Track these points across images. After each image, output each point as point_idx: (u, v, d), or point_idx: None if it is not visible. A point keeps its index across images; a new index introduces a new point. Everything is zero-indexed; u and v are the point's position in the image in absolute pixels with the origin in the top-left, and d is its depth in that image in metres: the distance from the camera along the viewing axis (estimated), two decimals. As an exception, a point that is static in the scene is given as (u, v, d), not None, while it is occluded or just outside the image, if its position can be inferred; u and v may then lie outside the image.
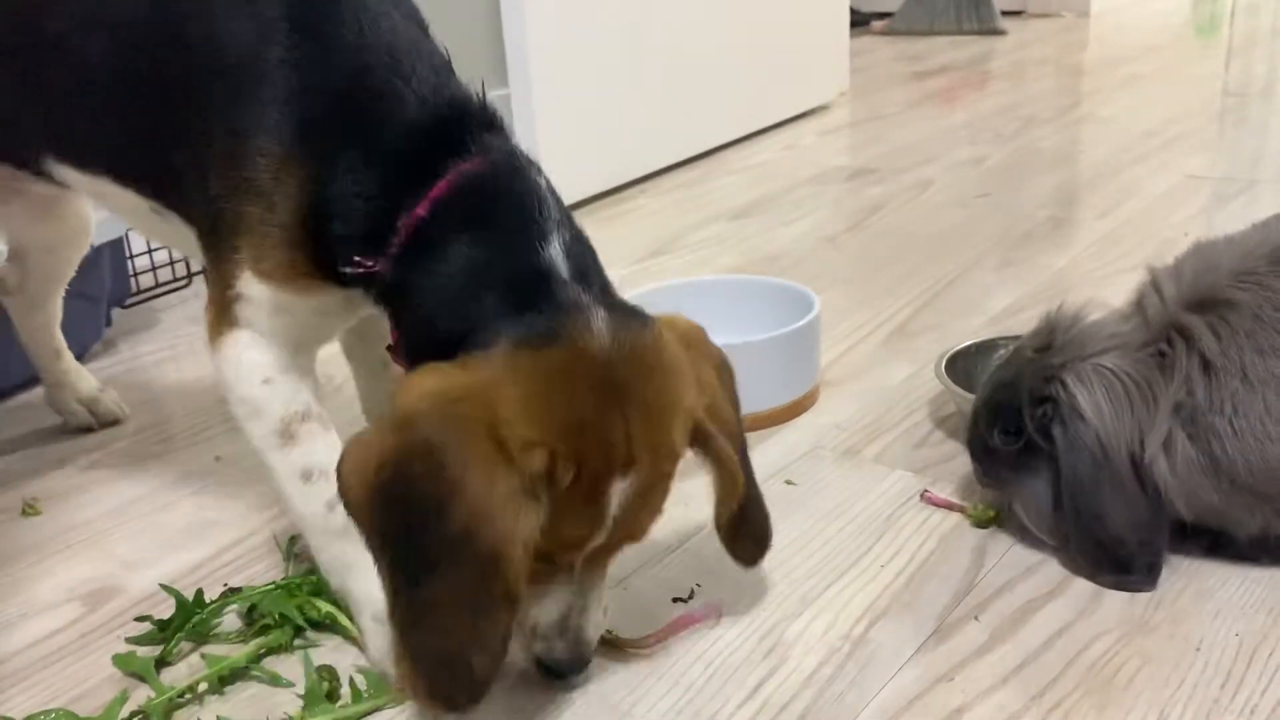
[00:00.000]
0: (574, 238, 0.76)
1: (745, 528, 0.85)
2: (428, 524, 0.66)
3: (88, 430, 1.25)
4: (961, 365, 1.16)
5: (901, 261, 1.65)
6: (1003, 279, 1.56)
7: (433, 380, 0.69)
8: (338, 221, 0.77)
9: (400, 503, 0.67)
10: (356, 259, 0.77)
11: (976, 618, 0.86)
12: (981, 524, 0.97)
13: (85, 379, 1.26)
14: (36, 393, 1.31)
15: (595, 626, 0.79)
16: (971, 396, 1.10)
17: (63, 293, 1.23)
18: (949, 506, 1.00)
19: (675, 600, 0.90)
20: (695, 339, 0.81)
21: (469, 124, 0.77)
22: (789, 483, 1.06)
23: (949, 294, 1.52)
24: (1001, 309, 1.45)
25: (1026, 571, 0.91)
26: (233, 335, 0.83)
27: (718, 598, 0.88)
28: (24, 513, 1.11)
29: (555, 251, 0.73)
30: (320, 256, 0.79)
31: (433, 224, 0.74)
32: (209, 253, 0.85)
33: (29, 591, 0.98)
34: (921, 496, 1.02)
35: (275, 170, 0.78)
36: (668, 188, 2.12)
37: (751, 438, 1.14)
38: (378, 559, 0.69)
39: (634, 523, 0.74)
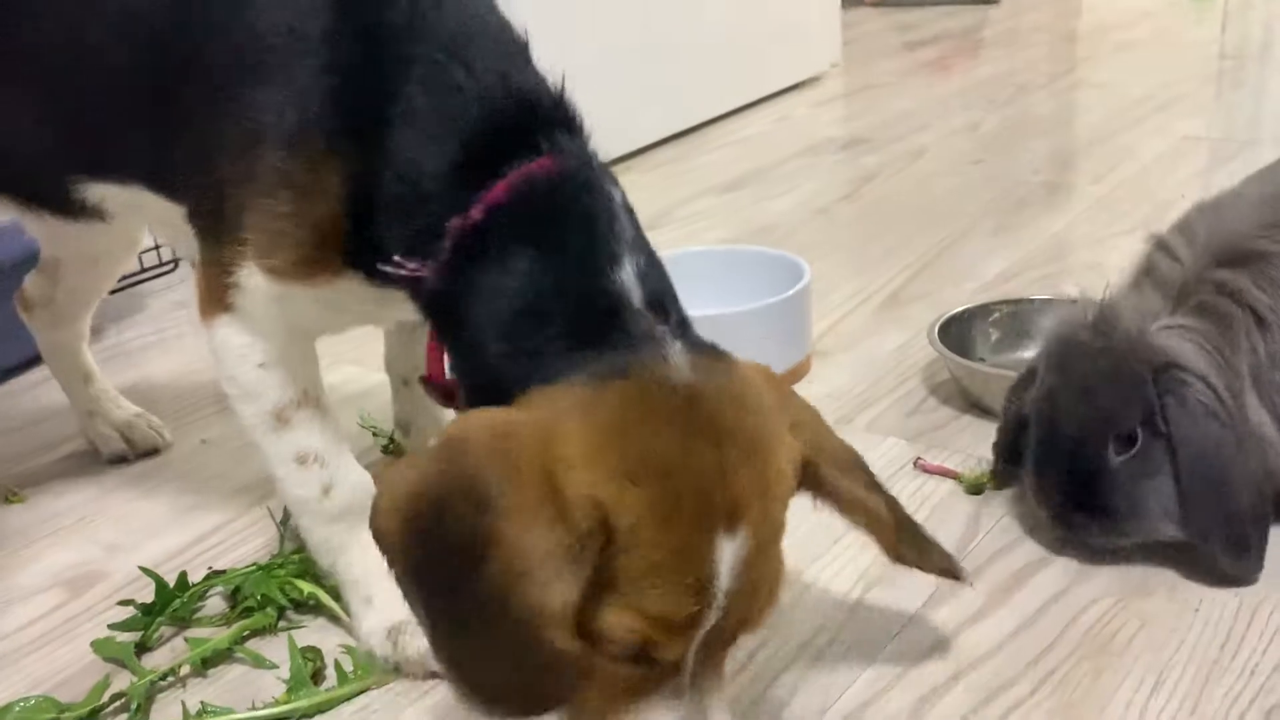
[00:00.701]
0: (648, 261, 0.66)
1: (919, 544, 0.73)
2: (463, 573, 0.56)
3: (123, 460, 1.14)
4: (955, 331, 1.14)
5: (894, 230, 1.63)
6: (997, 245, 1.54)
7: (489, 414, 0.60)
8: (380, 219, 0.70)
9: (435, 543, 0.58)
10: (397, 259, 0.69)
11: (971, 584, 0.84)
12: (975, 490, 0.95)
13: (120, 404, 1.16)
14: (18, 381, 1.30)
15: None
16: (966, 362, 1.08)
17: (92, 311, 1.14)
18: (942, 473, 0.98)
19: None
20: (776, 379, 0.70)
21: (538, 121, 0.69)
22: (781, 453, 1.05)
23: (942, 261, 1.50)
24: (995, 275, 1.43)
25: (1021, 537, 0.89)
26: (226, 318, 0.79)
27: None
28: (7, 500, 1.09)
29: (628, 275, 0.64)
30: (350, 251, 0.73)
31: (488, 232, 0.66)
32: (205, 236, 0.79)
33: (11, 579, 0.97)
34: (915, 463, 1.00)
35: (312, 163, 0.71)
36: (656, 163, 2.10)
37: (742, 409, 1.13)
38: (410, 601, 0.60)
39: (751, 600, 0.60)
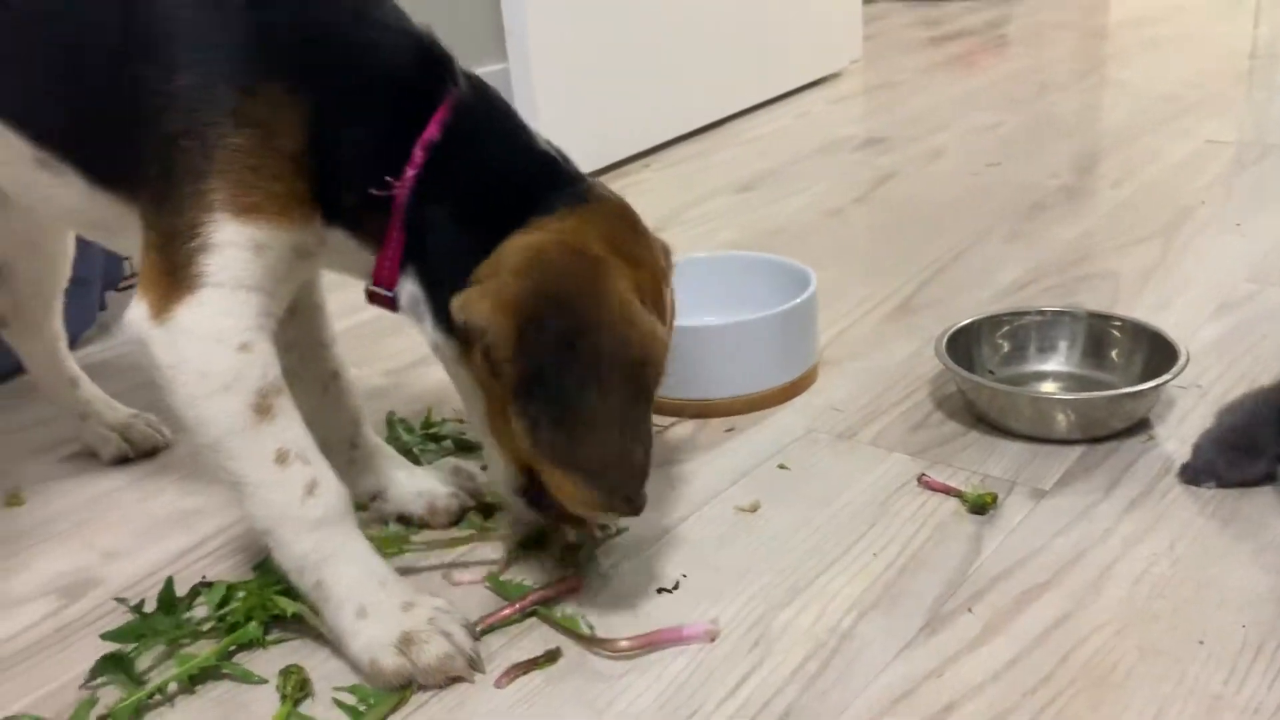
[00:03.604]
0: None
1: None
2: (583, 341, 0.75)
3: (125, 460, 1.14)
4: (963, 342, 1.12)
5: (907, 234, 1.61)
6: (1012, 251, 1.52)
7: (529, 235, 0.78)
8: (344, 151, 0.79)
9: (554, 331, 0.75)
10: (389, 180, 0.79)
11: (970, 609, 0.82)
12: (978, 509, 0.93)
13: (113, 407, 1.15)
14: (16, 383, 1.29)
15: None
16: (973, 376, 1.06)
17: (60, 309, 1.13)
18: (946, 491, 0.96)
19: (660, 591, 0.87)
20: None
21: (438, 55, 0.82)
22: (782, 467, 1.03)
23: (955, 267, 1.48)
24: (1010, 282, 1.41)
25: (1024, 559, 0.87)
26: (194, 300, 0.74)
27: (715, 615, 0.83)
28: (7, 504, 1.09)
29: (544, 143, 0.85)
30: (314, 190, 0.78)
31: (447, 143, 0.80)
32: (157, 209, 0.77)
33: (6, 585, 0.96)
34: (919, 480, 0.98)
35: (271, 102, 0.76)
36: (674, 160, 2.08)
37: (745, 420, 1.12)
38: (527, 397, 0.76)
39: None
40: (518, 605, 0.85)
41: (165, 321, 0.75)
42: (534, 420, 0.76)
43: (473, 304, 0.77)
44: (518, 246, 0.78)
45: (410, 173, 0.79)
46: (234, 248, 0.74)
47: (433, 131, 0.79)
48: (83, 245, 1.26)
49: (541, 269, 0.76)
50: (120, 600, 0.89)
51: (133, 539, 1.01)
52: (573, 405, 0.75)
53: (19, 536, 1.04)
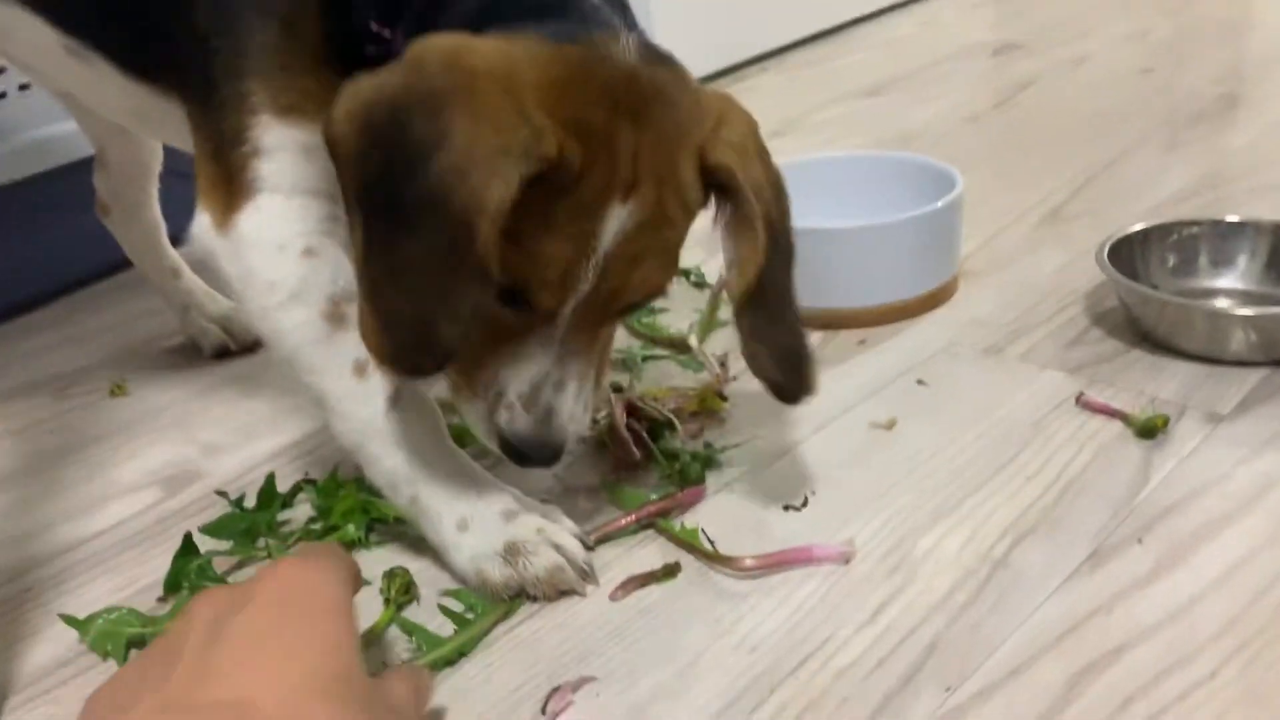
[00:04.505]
0: None
1: (765, 331, 0.73)
2: (411, 173, 0.60)
3: (226, 353, 1.11)
4: (1126, 254, 1.01)
5: (1053, 143, 1.48)
6: (1171, 162, 1.38)
7: (448, 34, 0.63)
8: (358, 11, 0.69)
9: (389, 147, 0.61)
10: (375, 30, 0.69)
11: (1140, 541, 0.74)
12: (1147, 433, 0.84)
13: (215, 299, 1.12)
14: (122, 277, 1.27)
15: (574, 416, 0.70)
16: (1141, 288, 0.96)
17: (156, 195, 1.11)
18: (1109, 413, 0.87)
19: (786, 508, 0.80)
20: (733, 106, 0.72)
21: None
22: (920, 382, 0.95)
23: (1108, 178, 1.35)
24: (1170, 194, 1.28)
25: (1200, 489, 0.78)
26: (252, 207, 0.70)
27: (849, 537, 0.76)
28: (111, 393, 1.07)
29: None
30: (340, 71, 0.67)
31: None
32: (202, 110, 0.72)
33: (111, 474, 0.94)
34: (1077, 400, 0.89)
35: None
36: (792, 65, 1.96)
37: (879, 333, 1.03)
38: (356, 213, 0.63)
39: (629, 271, 0.66)
40: (634, 516, 0.79)
41: (228, 232, 0.71)
42: (365, 242, 0.63)
43: (338, 104, 0.63)
44: (412, 48, 0.63)
45: (411, 11, 0.68)
46: (284, 151, 0.70)
47: None
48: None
49: (406, 75, 0.61)
50: (221, 494, 0.85)
51: (234, 434, 0.98)
52: (386, 241, 0.62)
53: (123, 428, 1.01)
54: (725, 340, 1.01)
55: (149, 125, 0.88)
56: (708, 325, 1.05)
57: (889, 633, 0.68)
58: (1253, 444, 0.82)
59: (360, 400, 0.72)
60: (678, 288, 1.15)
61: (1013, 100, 1.67)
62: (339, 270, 0.72)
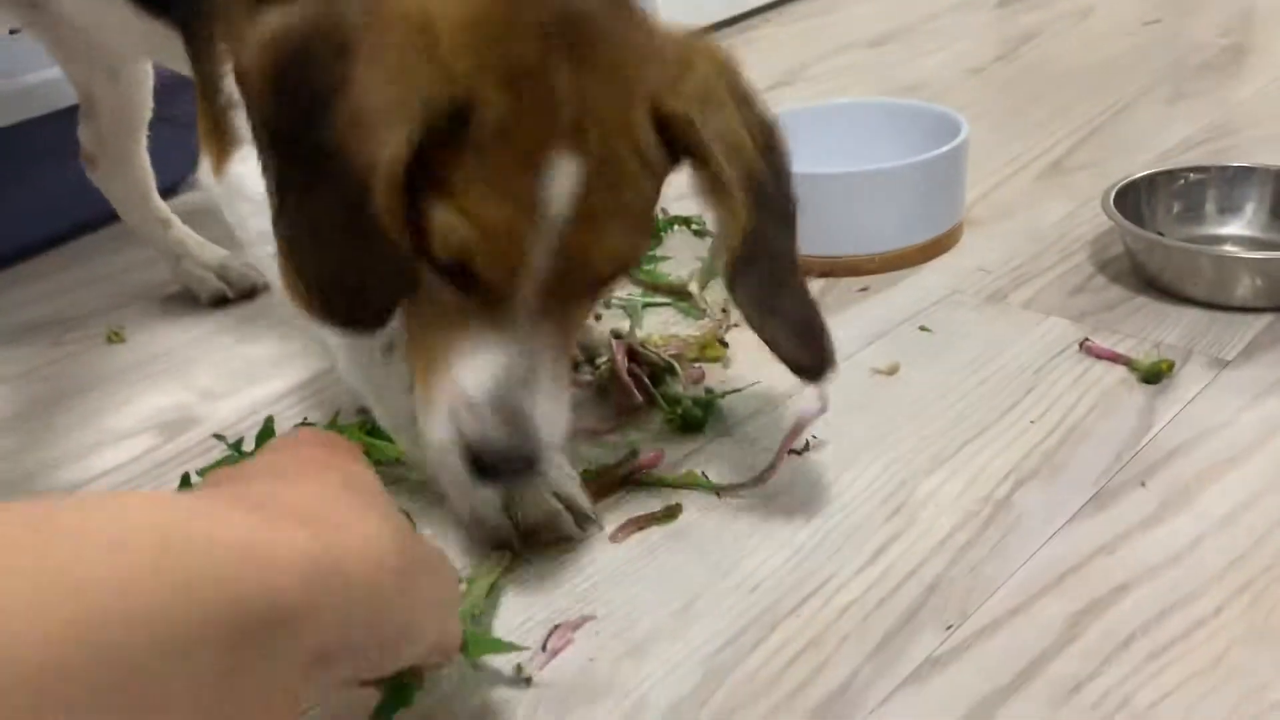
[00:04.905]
0: None
1: (769, 303, 0.66)
2: (312, 121, 0.53)
3: (224, 301, 1.10)
4: (1131, 200, 1.00)
5: (1058, 93, 1.46)
6: (1175, 113, 1.37)
7: None
8: None
9: (294, 89, 0.54)
10: None
11: (1143, 483, 0.73)
12: (1150, 378, 0.83)
13: (208, 247, 1.11)
14: (118, 226, 1.26)
15: (548, 419, 0.59)
16: (1146, 234, 0.95)
17: (145, 144, 1.10)
18: (1113, 358, 0.86)
19: (790, 453, 0.79)
20: (708, 58, 0.62)
21: None
22: (923, 329, 0.94)
23: (1112, 128, 1.34)
24: (1175, 144, 1.27)
25: (1204, 434, 0.77)
26: (239, 155, 0.68)
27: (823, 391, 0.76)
28: (109, 340, 1.06)
29: None
30: None
31: None
32: (195, 53, 0.72)
33: (108, 420, 0.94)
34: (1080, 346, 0.88)
35: None
36: (797, 15, 1.94)
37: (881, 280, 1.02)
38: (268, 158, 0.57)
39: (589, 238, 0.56)
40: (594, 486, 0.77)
41: (221, 179, 0.71)
42: (278, 191, 0.57)
43: (249, 37, 0.57)
44: None
45: None
46: None
47: None
48: (179, 90, 1.21)
49: (317, 8, 0.55)
50: (218, 437, 0.85)
51: (231, 380, 0.97)
52: (298, 191, 0.56)
53: (120, 374, 1.01)
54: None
55: (163, 56, 0.87)
56: (709, 273, 1.04)
57: (890, 573, 0.68)
58: (1257, 389, 0.82)
59: (357, 345, 0.71)
60: (679, 236, 1.14)
61: (1017, 52, 1.65)
62: None
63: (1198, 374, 0.84)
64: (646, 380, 0.86)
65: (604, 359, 0.87)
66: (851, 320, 0.96)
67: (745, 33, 1.86)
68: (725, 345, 0.92)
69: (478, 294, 0.57)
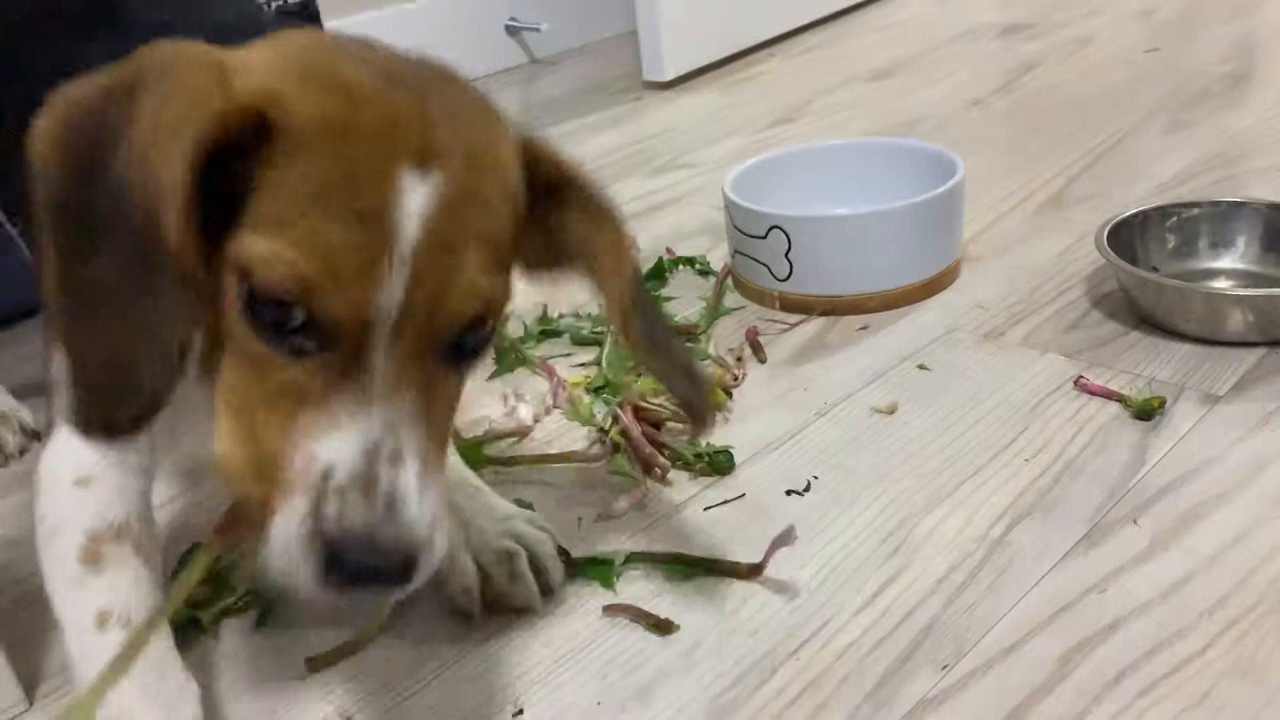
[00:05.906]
0: None
1: (660, 345, 0.64)
2: (97, 172, 0.48)
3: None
4: (1125, 237, 1.02)
5: (1057, 125, 1.49)
6: (1173, 143, 1.39)
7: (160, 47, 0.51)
8: None
9: (81, 148, 0.49)
10: None
11: (1135, 521, 0.75)
12: (1143, 415, 0.85)
13: None
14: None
15: (426, 508, 0.48)
16: (1138, 271, 0.97)
17: None
18: (1107, 394, 0.88)
19: (789, 493, 0.82)
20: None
21: None
22: (922, 367, 0.96)
23: (1110, 160, 1.36)
24: (1171, 175, 1.29)
25: (1195, 470, 0.79)
26: (53, 439, 0.64)
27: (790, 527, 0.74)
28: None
29: None
30: None
31: None
32: None
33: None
34: (1075, 383, 0.90)
35: None
36: (800, 49, 1.97)
37: (880, 318, 1.05)
38: (48, 240, 0.49)
39: (446, 268, 0.48)
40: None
41: (38, 465, 0.65)
42: (56, 274, 0.49)
43: (41, 117, 0.51)
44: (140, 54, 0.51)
45: None
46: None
47: None
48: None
49: (114, 71, 0.51)
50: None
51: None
52: (77, 265, 0.49)
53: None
54: (730, 326, 1.03)
55: None
56: (713, 313, 1.07)
57: (888, 614, 0.70)
58: (1248, 424, 0.84)
59: (96, 656, 0.59)
60: (684, 275, 1.17)
61: (1016, 83, 1.67)
62: (113, 501, 0.63)
63: (1190, 410, 0.86)
64: (660, 437, 0.88)
65: (613, 426, 0.89)
66: (852, 359, 0.99)
67: (749, 68, 1.89)
68: (729, 395, 0.94)
69: (315, 349, 0.48)
